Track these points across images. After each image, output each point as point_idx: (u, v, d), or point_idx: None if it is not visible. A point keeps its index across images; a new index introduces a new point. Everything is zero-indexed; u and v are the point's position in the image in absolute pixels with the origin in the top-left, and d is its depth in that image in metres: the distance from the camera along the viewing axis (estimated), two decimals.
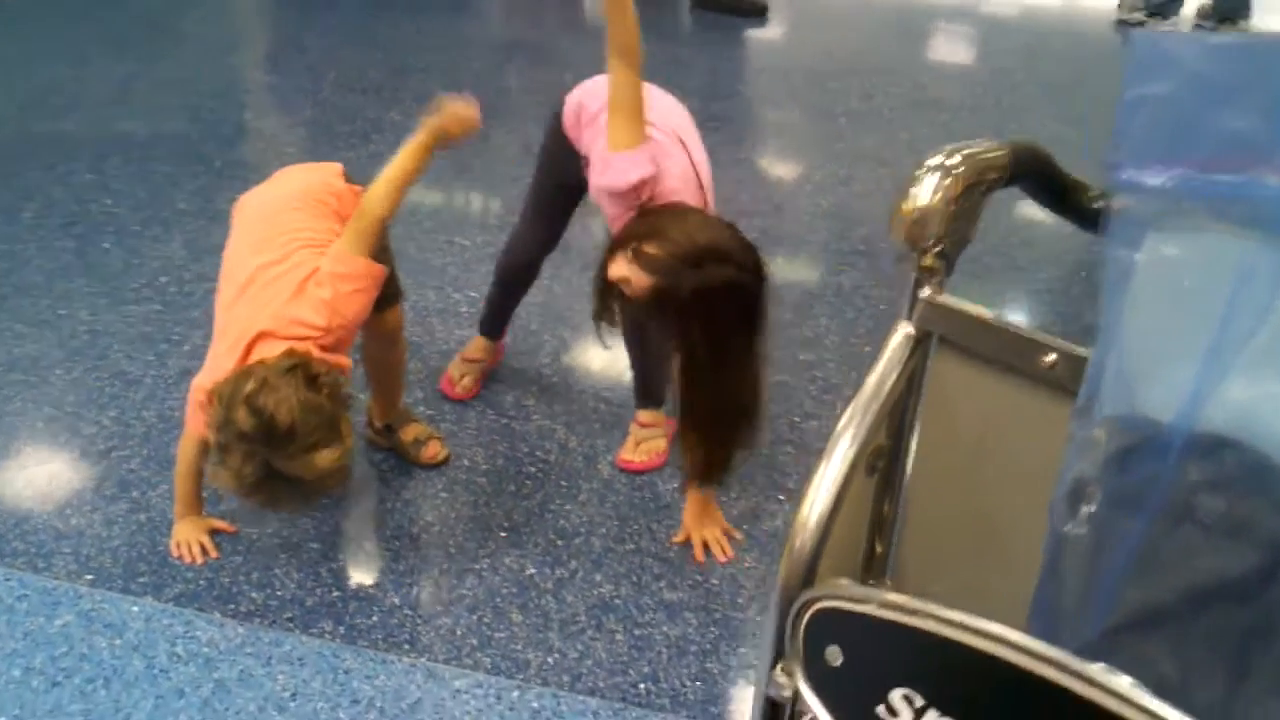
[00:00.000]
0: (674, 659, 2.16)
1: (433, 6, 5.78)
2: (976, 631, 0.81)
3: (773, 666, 0.98)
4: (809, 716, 0.96)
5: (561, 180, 2.52)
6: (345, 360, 2.18)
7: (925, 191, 0.99)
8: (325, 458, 2.03)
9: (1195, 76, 0.86)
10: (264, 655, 2.11)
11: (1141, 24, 5.67)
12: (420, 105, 4.49)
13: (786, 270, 3.42)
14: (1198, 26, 5.71)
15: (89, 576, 2.26)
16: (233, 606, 2.22)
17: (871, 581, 1.01)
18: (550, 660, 2.14)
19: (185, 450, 2.28)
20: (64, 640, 2.12)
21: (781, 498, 2.55)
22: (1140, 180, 0.89)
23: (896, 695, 0.87)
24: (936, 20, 5.82)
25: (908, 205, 0.99)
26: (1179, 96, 0.87)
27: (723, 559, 2.37)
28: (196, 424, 2.16)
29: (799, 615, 0.90)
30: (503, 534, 2.42)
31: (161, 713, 1.99)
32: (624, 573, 2.34)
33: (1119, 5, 5.80)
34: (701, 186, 2.24)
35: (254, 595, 2.25)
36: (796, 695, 0.96)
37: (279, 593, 2.25)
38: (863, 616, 0.85)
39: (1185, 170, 0.86)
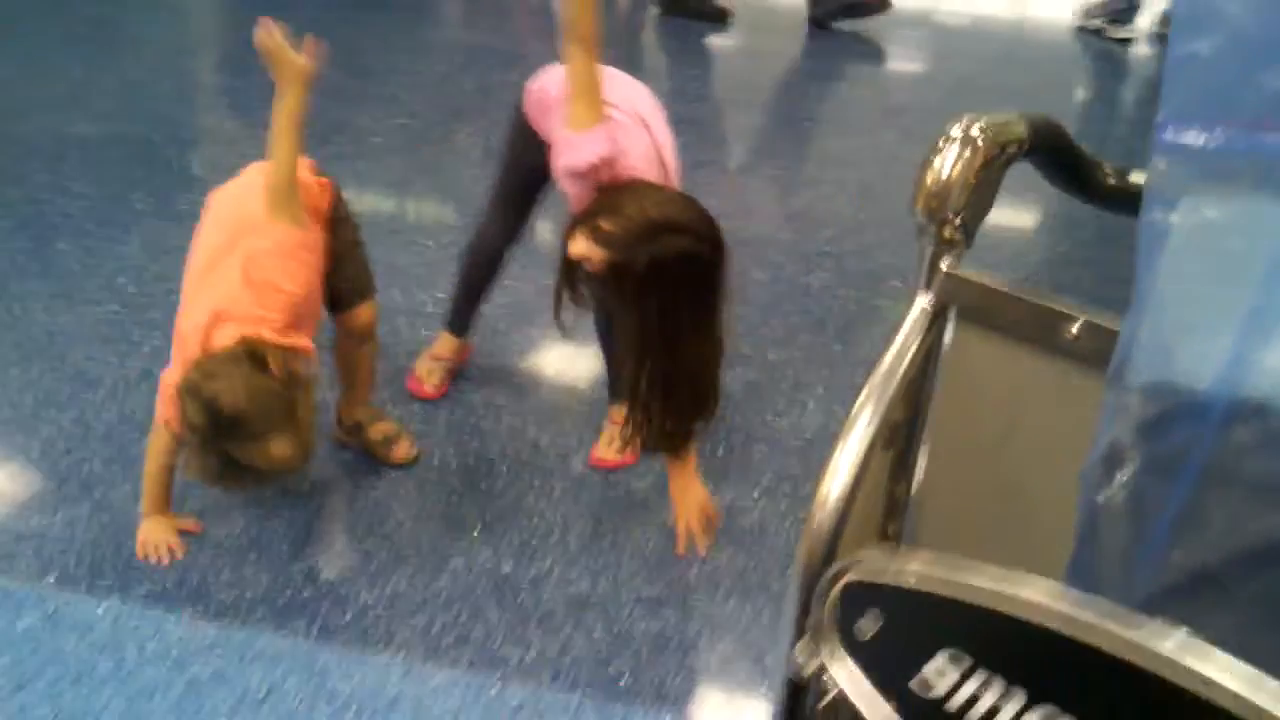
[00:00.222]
0: (655, 654, 2.13)
1: (393, 9, 5.74)
2: (1020, 601, 0.79)
3: (793, 646, 0.96)
4: (832, 695, 0.94)
5: (526, 171, 2.51)
6: (305, 342, 2.14)
7: (946, 162, 0.97)
8: (279, 446, 2.00)
9: (1242, 31, 0.84)
10: (236, 654, 2.06)
11: (1099, 31, 5.73)
12: (382, 106, 4.47)
13: (755, 271, 3.41)
14: (1159, 36, 5.77)
15: (52, 578, 2.20)
16: (202, 606, 2.17)
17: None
18: (530, 657, 2.10)
19: (155, 446, 2.24)
20: (28, 641, 2.06)
21: (756, 495, 2.53)
22: (1181, 141, 0.88)
23: (934, 666, 0.85)
24: (898, 28, 5.84)
25: (929, 176, 0.97)
26: (1225, 53, 0.85)
27: (701, 551, 2.34)
28: (164, 418, 2.12)
29: (827, 590, 0.87)
30: (476, 532, 2.39)
31: (133, 713, 1.94)
32: (600, 569, 2.31)
33: (1076, 13, 5.86)
34: (664, 166, 2.23)
35: (224, 595, 2.19)
36: (819, 674, 0.93)
37: (249, 592, 2.20)
38: (898, 588, 0.83)
39: (1230, 130, 0.85)
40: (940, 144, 0.98)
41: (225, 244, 2.18)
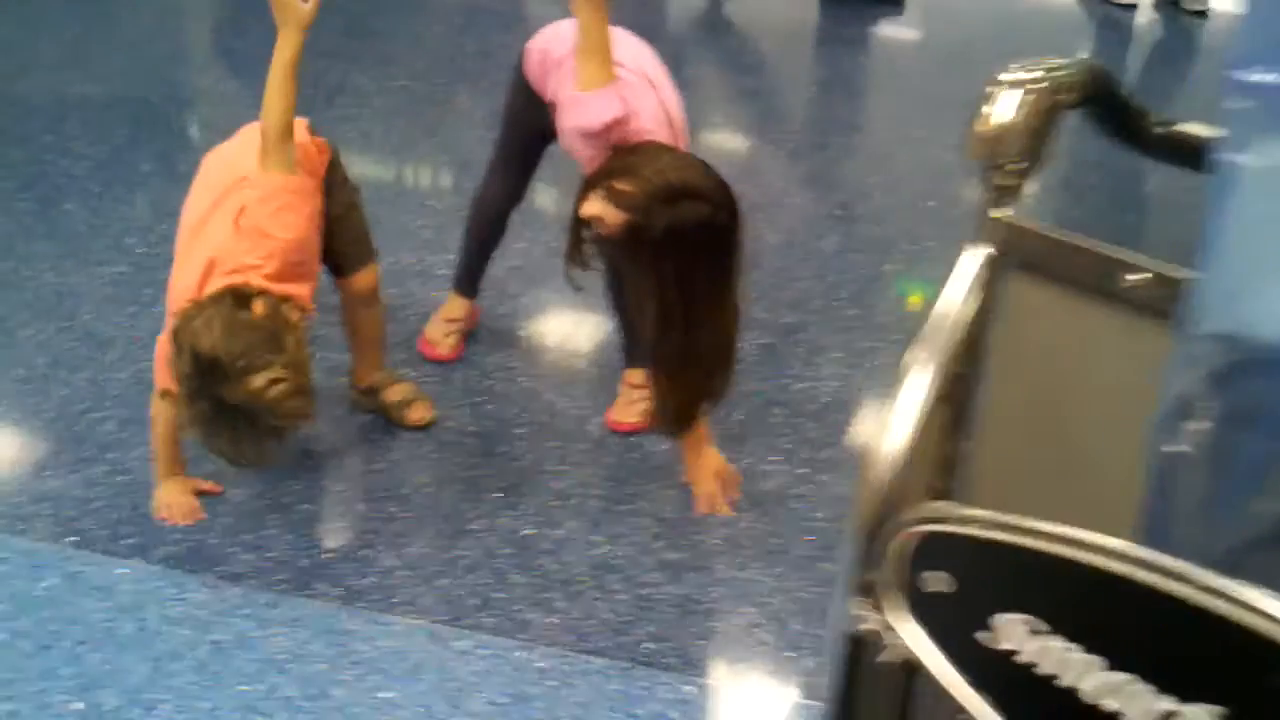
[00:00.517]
0: (679, 619, 2.12)
1: None
2: (1103, 550, 0.79)
3: (850, 601, 0.95)
4: (894, 650, 0.93)
5: (527, 130, 2.50)
6: (299, 289, 2.11)
7: (1004, 106, 0.95)
8: (263, 378, 1.93)
9: None
10: (260, 617, 2.05)
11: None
12: (382, 68, 4.43)
13: (767, 234, 3.38)
14: (1161, 1, 5.73)
15: (72, 539, 2.19)
16: (224, 568, 2.16)
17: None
18: (553, 620, 2.10)
19: (158, 409, 2.22)
20: (50, 603, 2.05)
21: (775, 459, 2.52)
22: (1253, 80, 0.86)
23: (1003, 620, 0.84)
24: None
25: (985, 120, 0.96)
26: None
27: (727, 512, 2.34)
28: (163, 379, 2.10)
29: (887, 544, 0.86)
30: (497, 495, 2.38)
31: (157, 676, 1.93)
32: (622, 533, 2.30)
33: None
34: (673, 126, 2.22)
35: (245, 557, 2.18)
36: (880, 629, 0.93)
37: (270, 554, 2.19)
38: (969, 540, 0.82)
39: None
40: (994, 88, 0.96)
41: (216, 200, 2.16)
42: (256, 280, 2.03)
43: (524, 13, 5.40)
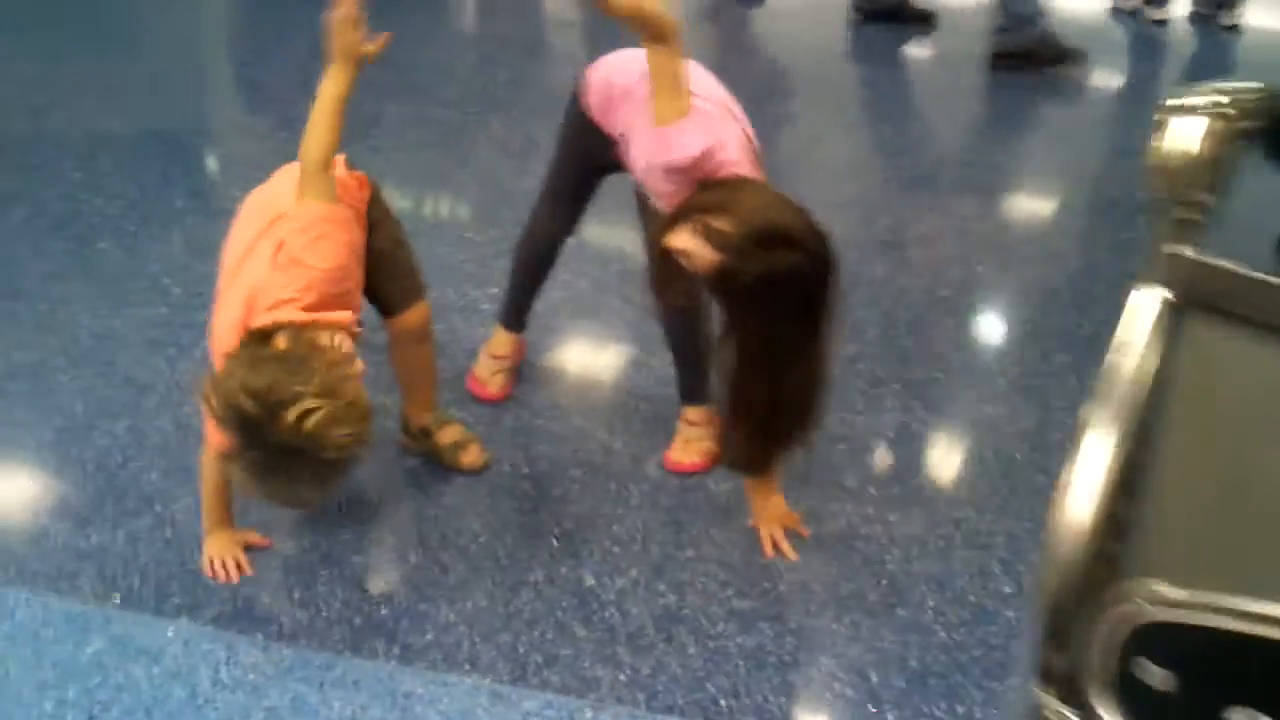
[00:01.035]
0: (753, 671, 2.02)
1: (412, 3, 5.62)
2: None
3: (1036, 687, 0.85)
4: None
5: (585, 163, 2.41)
6: (340, 316, 2.01)
7: (1189, 133, 0.85)
8: (295, 411, 1.79)
9: None
10: (315, 680, 1.96)
11: (1135, 13, 5.60)
12: (413, 99, 4.36)
13: None
14: (1195, 15, 5.64)
15: (117, 598, 2.10)
16: (276, 627, 2.06)
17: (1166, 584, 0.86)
18: (622, 677, 2.00)
19: (208, 459, 2.13)
20: (97, 669, 1.96)
21: (841, 498, 2.43)
22: None
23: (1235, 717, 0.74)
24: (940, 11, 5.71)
25: (1169, 148, 0.86)
26: None
27: (792, 557, 2.24)
28: (212, 432, 2.01)
29: (1081, 624, 0.76)
30: (555, 542, 2.28)
31: None
32: (688, 580, 2.21)
33: None
34: (755, 156, 2.12)
35: (298, 614, 2.09)
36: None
37: (324, 612, 2.10)
38: (1203, 629, 0.73)
39: None
40: (1168, 116, 0.86)
41: (254, 239, 2.08)
42: (291, 314, 1.95)
43: (547, 41, 5.35)
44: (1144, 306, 0.90)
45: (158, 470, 2.40)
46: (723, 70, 2.30)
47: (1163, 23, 5.56)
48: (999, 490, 2.47)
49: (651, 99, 2.03)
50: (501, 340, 2.70)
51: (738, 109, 2.20)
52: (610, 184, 3.41)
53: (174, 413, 2.56)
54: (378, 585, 2.16)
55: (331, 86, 2.06)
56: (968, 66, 4.98)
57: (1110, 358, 0.89)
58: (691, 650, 2.06)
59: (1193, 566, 0.96)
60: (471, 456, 2.44)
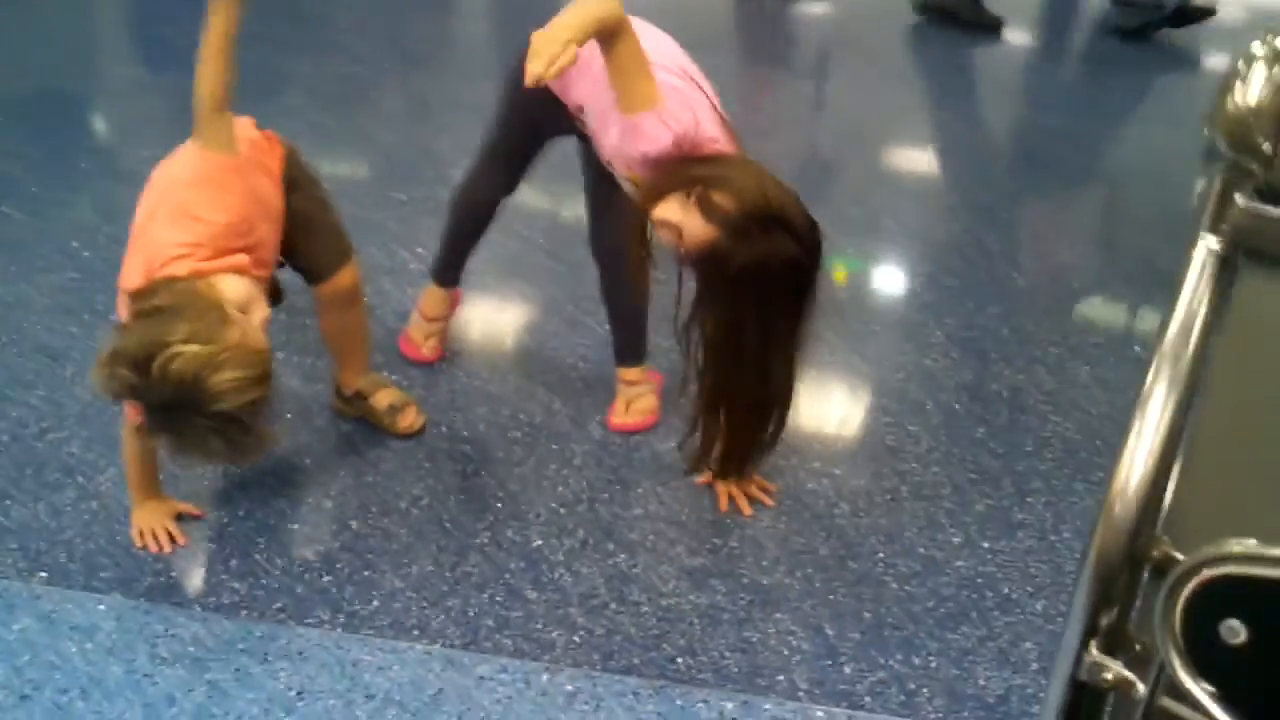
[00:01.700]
0: (708, 629, 1.99)
1: None
2: None
3: (1084, 645, 0.82)
4: (1148, 704, 0.80)
5: (533, 127, 2.32)
6: (233, 260, 1.91)
7: (1255, 84, 0.82)
8: (164, 357, 1.73)
9: None
10: (259, 651, 1.89)
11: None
12: (326, 56, 4.23)
13: None
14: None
15: (43, 574, 2.01)
16: (214, 599, 1.99)
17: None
18: (576, 638, 1.96)
19: (127, 430, 2.04)
20: (26, 648, 1.87)
21: (785, 455, 2.40)
22: None
23: None
24: None
25: (1232, 99, 0.82)
26: None
27: (747, 512, 2.22)
28: (135, 414, 1.95)
29: (1176, 587, 0.73)
30: (499, 505, 2.23)
31: None
32: (637, 540, 2.17)
33: None
34: (725, 124, 2.05)
35: (236, 585, 2.02)
36: (1125, 682, 0.80)
37: (264, 581, 2.03)
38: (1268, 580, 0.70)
39: None
40: (1242, 65, 0.83)
41: (155, 204, 1.98)
42: (180, 269, 1.86)
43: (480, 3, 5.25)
44: (1199, 259, 0.87)
45: (78, 441, 2.30)
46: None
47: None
48: (941, 442, 2.46)
49: (616, 86, 1.94)
50: (435, 299, 2.62)
51: (696, 71, 2.10)
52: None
53: (90, 384, 2.44)
54: (318, 553, 2.09)
55: (215, 24, 1.96)
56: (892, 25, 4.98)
57: (1170, 321, 0.86)
58: (645, 609, 2.02)
59: (1237, 520, 0.93)
60: (409, 419, 2.37)
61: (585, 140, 2.24)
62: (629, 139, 1.94)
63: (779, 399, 2.06)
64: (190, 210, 1.92)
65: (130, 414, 1.95)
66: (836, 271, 3.06)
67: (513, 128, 2.37)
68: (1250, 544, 0.71)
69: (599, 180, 2.22)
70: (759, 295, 1.88)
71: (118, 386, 1.79)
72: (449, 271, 2.61)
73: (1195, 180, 3.21)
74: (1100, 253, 3.23)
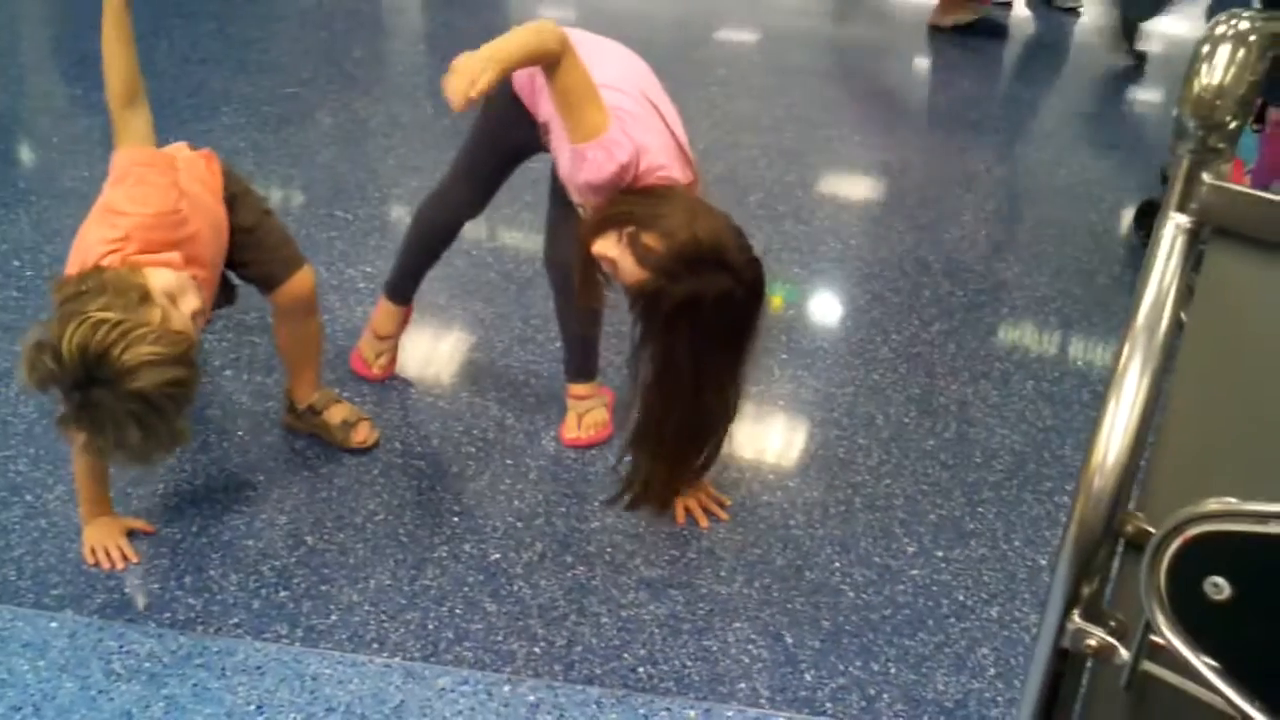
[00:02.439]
0: (668, 638, 2.00)
1: None
2: None
3: (1066, 613, 0.84)
4: (1135, 669, 0.82)
5: (505, 143, 2.31)
6: (164, 257, 1.87)
7: (1219, 63, 0.85)
8: (69, 331, 1.68)
9: None
10: (216, 666, 1.87)
11: (1048, 1, 5.76)
12: (267, 76, 4.21)
13: None
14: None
15: None
16: (169, 615, 1.96)
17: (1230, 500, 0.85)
18: (537, 650, 1.96)
19: (76, 445, 2.01)
20: None
21: (740, 469, 2.42)
22: None
23: None
24: None
25: (1199, 79, 0.86)
26: None
27: (704, 524, 2.23)
28: None
29: (1160, 548, 0.76)
30: (456, 519, 2.22)
31: None
32: (595, 552, 2.17)
33: None
34: (683, 153, 2.06)
35: (190, 601, 1.99)
36: (1105, 647, 0.82)
37: (219, 596, 2.00)
38: (1256, 538, 0.72)
39: None
40: (1207, 46, 0.86)
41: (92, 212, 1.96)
42: (117, 262, 1.83)
43: (400, 17, 5.24)
44: (1167, 235, 0.89)
45: (25, 459, 2.26)
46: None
47: (1005, 5, 5.73)
48: (892, 455, 2.50)
49: (561, 117, 1.95)
50: (388, 315, 2.60)
51: (661, 95, 2.12)
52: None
53: (37, 399, 2.40)
54: (274, 569, 2.07)
55: (106, 15, 1.95)
56: (840, 47, 5.05)
57: (1145, 287, 0.88)
58: (605, 620, 2.02)
59: (1181, 493, 0.96)
60: (362, 435, 2.36)
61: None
62: (575, 167, 1.96)
63: (711, 431, 2.07)
64: (113, 206, 1.89)
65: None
66: (773, 298, 3.10)
67: (486, 147, 2.36)
68: (1230, 501, 0.74)
69: (560, 198, 2.23)
70: (693, 332, 1.89)
71: (39, 376, 1.73)
72: (405, 288, 2.60)
73: (1127, 201, 3.29)
74: (1040, 270, 3.29)
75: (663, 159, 1.98)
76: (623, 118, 1.95)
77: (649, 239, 1.86)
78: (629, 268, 1.88)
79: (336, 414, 2.35)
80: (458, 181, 2.42)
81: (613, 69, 2.04)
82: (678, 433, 2.05)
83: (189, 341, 1.80)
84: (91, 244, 1.86)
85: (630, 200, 1.92)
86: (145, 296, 1.79)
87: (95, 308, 1.72)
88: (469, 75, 1.78)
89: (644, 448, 2.09)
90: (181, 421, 1.82)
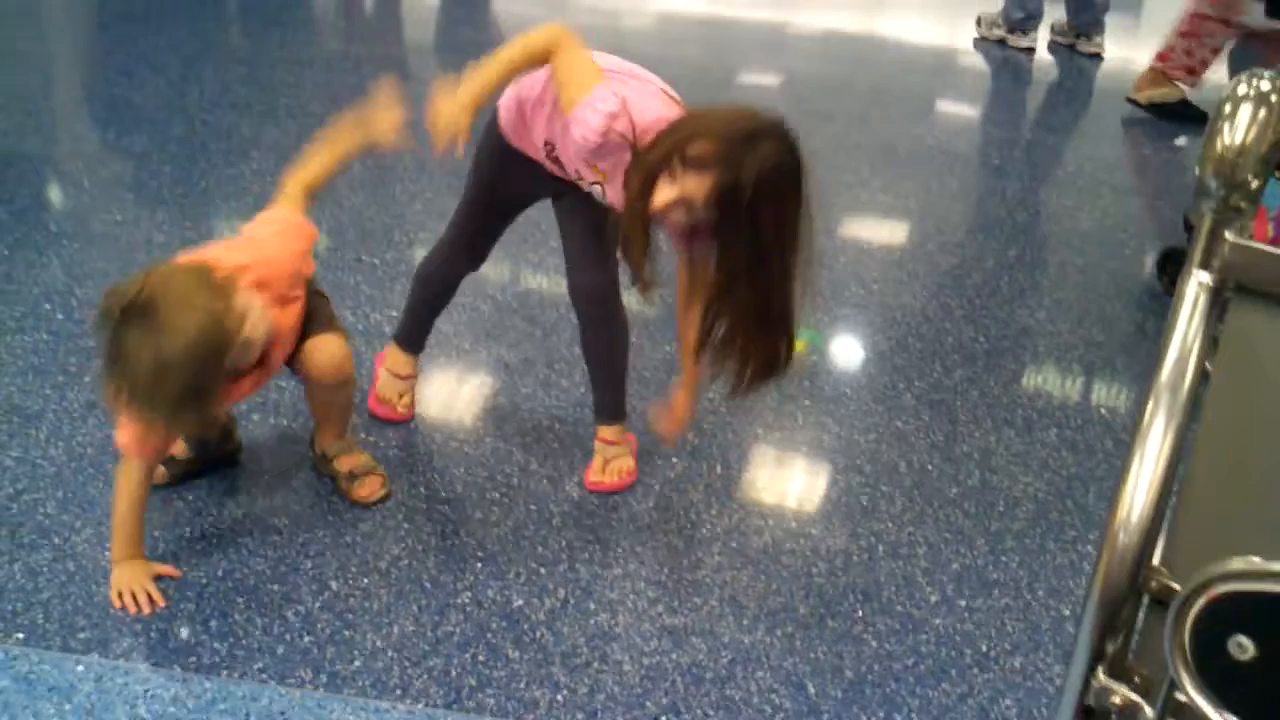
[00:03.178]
0: (690, 687, 2.00)
1: (287, 24, 5.52)
2: None
3: (1090, 670, 0.84)
4: None
5: (501, 193, 2.37)
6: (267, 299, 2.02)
7: (1241, 123, 0.87)
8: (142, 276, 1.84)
9: None
10: (241, 711, 1.88)
11: (1001, 41, 5.79)
12: (296, 121, 4.26)
13: None
14: (1054, 43, 5.86)
15: (19, 635, 1.98)
16: (194, 660, 1.97)
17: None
18: (559, 697, 1.96)
19: (124, 482, 2.05)
20: (3, 710, 1.84)
21: (764, 514, 2.42)
22: None
23: None
24: (808, 41, 5.82)
25: (1221, 139, 0.87)
26: None
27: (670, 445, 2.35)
28: (129, 438, 2.01)
29: (1185, 607, 0.76)
30: (479, 564, 2.23)
31: None
32: (617, 599, 2.18)
33: (977, 24, 5.91)
34: (680, 105, 2.09)
35: (216, 646, 2.00)
36: (1130, 705, 0.83)
37: (244, 641, 2.01)
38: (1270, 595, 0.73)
39: None
40: (1229, 107, 0.88)
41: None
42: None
43: (427, 62, 5.30)
44: (1190, 294, 0.91)
45: (54, 502, 2.28)
46: None
47: (1029, 50, 5.76)
48: (915, 502, 2.50)
49: (559, 94, 2.02)
50: (402, 360, 2.63)
51: (659, 81, 2.15)
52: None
53: (66, 442, 2.44)
54: (298, 614, 2.08)
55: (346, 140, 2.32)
56: (846, 91, 5.08)
57: (1166, 351, 0.89)
58: (627, 668, 2.03)
59: (1231, 551, 0.96)
60: (365, 490, 2.34)
61: (558, 197, 2.28)
62: (572, 135, 2.00)
63: (788, 301, 2.03)
64: (257, 237, 2.14)
65: (125, 438, 2.01)
66: (796, 343, 3.10)
67: (482, 195, 2.40)
68: (1254, 561, 0.74)
69: (574, 230, 2.27)
70: (773, 208, 1.89)
71: (102, 307, 1.84)
72: (414, 337, 2.62)
73: (1149, 248, 3.30)
74: (1063, 316, 3.30)
75: (663, 111, 2.01)
76: (612, 79, 2.01)
77: (695, 150, 1.88)
78: (694, 186, 1.89)
79: (345, 464, 2.36)
80: (458, 241, 2.46)
81: (606, 60, 2.09)
82: (772, 311, 2.02)
83: (237, 336, 1.90)
84: (215, 252, 2.00)
85: (653, 148, 1.94)
86: (227, 294, 1.90)
87: (179, 273, 1.87)
88: (446, 136, 1.94)
89: (742, 339, 2.04)
90: (215, 405, 2.00)
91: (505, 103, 2.25)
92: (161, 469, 2.25)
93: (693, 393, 2.30)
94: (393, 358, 2.63)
